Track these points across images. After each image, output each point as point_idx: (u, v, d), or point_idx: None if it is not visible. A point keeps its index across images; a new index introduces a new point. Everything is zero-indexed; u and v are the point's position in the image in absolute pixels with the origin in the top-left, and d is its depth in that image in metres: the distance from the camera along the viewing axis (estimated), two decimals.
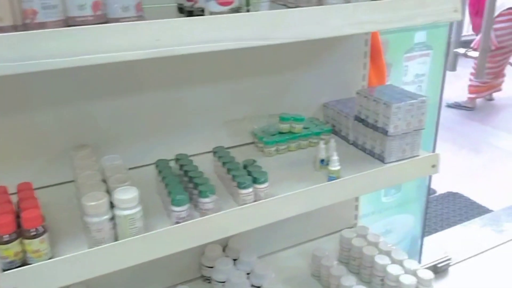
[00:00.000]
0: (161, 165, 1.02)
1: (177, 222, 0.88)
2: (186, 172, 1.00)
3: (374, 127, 1.13)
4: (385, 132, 1.10)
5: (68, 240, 0.83)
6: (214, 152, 1.10)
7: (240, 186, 0.95)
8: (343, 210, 1.51)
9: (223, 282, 1.18)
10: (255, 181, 0.96)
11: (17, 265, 0.74)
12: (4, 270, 0.73)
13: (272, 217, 0.95)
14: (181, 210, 0.88)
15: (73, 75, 0.99)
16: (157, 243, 0.84)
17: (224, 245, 1.30)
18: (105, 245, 0.80)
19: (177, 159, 1.06)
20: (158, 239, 0.84)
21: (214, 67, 1.15)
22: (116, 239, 0.82)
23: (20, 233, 0.74)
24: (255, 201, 0.95)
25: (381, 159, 1.13)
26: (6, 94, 0.95)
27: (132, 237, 0.81)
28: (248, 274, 1.19)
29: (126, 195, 0.81)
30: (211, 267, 1.22)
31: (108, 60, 0.69)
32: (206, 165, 1.06)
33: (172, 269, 1.25)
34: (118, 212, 0.81)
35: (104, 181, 0.88)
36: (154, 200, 0.97)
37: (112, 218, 0.81)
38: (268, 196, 0.96)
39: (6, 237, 0.73)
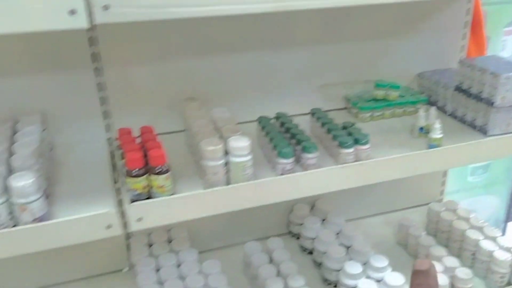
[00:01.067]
0: (263, 121, 1.07)
1: (282, 174, 0.92)
2: (287, 129, 1.04)
3: (478, 98, 1.11)
4: (490, 103, 1.07)
5: (185, 181, 0.90)
6: (312, 113, 1.13)
7: (342, 145, 0.97)
8: (430, 184, 1.50)
9: (313, 238, 1.22)
10: (356, 141, 0.99)
11: (143, 198, 0.82)
12: (132, 201, 0.82)
13: (372, 178, 0.97)
14: (287, 162, 0.92)
15: (195, 29, 1.06)
16: (264, 191, 0.89)
17: (311, 206, 1.35)
18: (219, 188, 0.86)
19: (277, 117, 1.10)
20: (265, 187, 0.89)
21: (314, 31, 1.17)
22: (228, 183, 0.88)
23: (147, 169, 0.82)
24: (355, 161, 0.98)
25: (483, 131, 1.10)
26: (140, 43, 1.04)
27: (244, 183, 0.87)
28: (336, 234, 1.23)
29: (240, 143, 0.86)
30: (300, 224, 1.27)
31: (233, 12, 0.73)
32: (302, 126, 1.09)
33: (263, 222, 1.32)
34: (232, 159, 0.86)
35: (216, 130, 0.94)
36: (256, 154, 1.02)
37: (226, 164, 0.87)
38: (369, 158, 0.98)
39: (135, 172, 0.81)
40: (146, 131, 0.92)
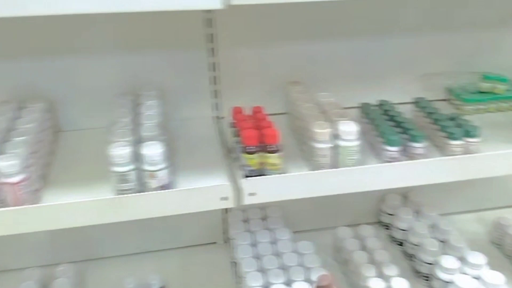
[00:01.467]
0: (366, 108, 1.07)
1: (388, 162, 0.93)
2: (391, 117, 1.04)
3: None
4: None
5: (290, 161, 0.93)
6: (416, 102, 1.11)
7: (451, 137, 0.96)
8: None
9: (405, 230, 1.22)
10: (466, 134, 0.96)
11: (256, 174, 0.87)
12: (247, 177, 0.86)
13: (481, 172, 0.94)
14: (394, 150, 0.92)
15: (304, 14, 1.08)
16: (370, 177, 0.90)
17: (403, 196, 1.33)
18: (330, 170, 0.88)
19: (380, 104, 1.10)
20: (372, 172, 0.90)
21: (420, 18, 1.15)
22: (335, 166, 0.90)
23: (262, 147, 0.86)
24: (463, 154, 0.96)
25: None
26: (252, 26, 1.08)
27: (354, 167, 0.89)
28: (429, 227, 1.21)
29: (350, 128, 0.88)
30: (392, 215, 1.27)
31: None
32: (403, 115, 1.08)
33: (354, 209, 1.34)
34: (341, 143, 0.88)
35: (324, 114, 0.96)
36: None
37: (334, 148, 0.89)
38: (478, 151, 0.96)
39: (251, 148, 0.85)
40: (257, 111, 0.96)
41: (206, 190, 0.84)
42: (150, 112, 0.93)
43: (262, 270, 1.06)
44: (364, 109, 1.08)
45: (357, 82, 1.19)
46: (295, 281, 1.02)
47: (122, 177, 0.81)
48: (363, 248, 1.16)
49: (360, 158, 0.90)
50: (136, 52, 1.05)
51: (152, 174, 0.81)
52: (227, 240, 1.28)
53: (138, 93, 1.03)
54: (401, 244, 1.24)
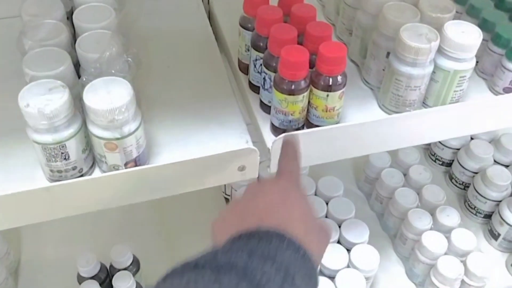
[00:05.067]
0: None
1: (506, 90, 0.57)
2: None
3: None
4: None
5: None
6: None
7: None
8: None
9: None
10: None
11: (298, 126, 0.49)
12: (281, 131, 0.48)
13: None
14: None
15: None
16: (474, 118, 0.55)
17: None
18: (424, 111, 0.52)
19: None
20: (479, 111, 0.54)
21: None
22: (424, 104, 0.54)
23: (314, 80, 0.47)
24: None
25: None
26: None
27: (455, 104, 0.53)
28: None
29: (473, 36, 0.49)
30: None
31: None
32: None
33: None
34: (445, 63, 0.50)
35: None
36: None
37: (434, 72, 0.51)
38: None
39: (298, 85, 0.45)
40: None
41: (212, 160, 0.47)
42: (96, 2, 0.49)
43: None
44: None
45: None
46: None
47: (55, 152, 0.41)
48: None
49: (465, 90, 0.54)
50: None
51: (113, 144, 0.41)
52: None
53: None
54: None
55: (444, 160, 0.94)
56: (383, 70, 0.53)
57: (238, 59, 0.58)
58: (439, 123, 0.53)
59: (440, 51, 0.50)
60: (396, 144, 0.54)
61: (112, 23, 0.48)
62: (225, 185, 0.85)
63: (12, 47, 0.48)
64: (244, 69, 0.57)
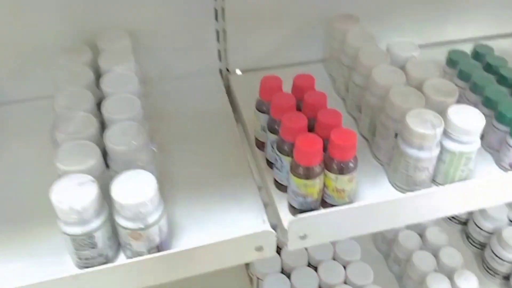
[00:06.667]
0: (458, 61, 0.68)
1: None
2: (503, 78, 0.67)
3: None
4: None
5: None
6: None
7: None
8: None
9: None
10: None
11: (315, 207, 0.52)
12: (295, 210, 0.51)
13: None
14: None
15: None
16: (486, 194, 0.57)
17: None
18: (429, 190, 0.54)
19: (476, 52, 0.71)
20: (487, 188, 0.56)
21: None
22: (434, 181, 0.56)
23: (328, 164, 0.50)
24: None
25: None
26: None
27: (465, 182, 0.55)
28: None
29: (468, 121, 0.52)
30: None
31: None
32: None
33: None
34: (449, 145, 0.52)
35: (410, 83, 0.59)
36: None
37: (440, 154, 0.53)
38: None
39: (313, 170, 0.48)
40: (306, 85, 0.56)
41: (231, 244, 0.49)
42: (124, 93, 0.54)
43: None
44: (454, 62, 0.69)
45: (419, 12, 0.78)
46: None
47: (83, 242, 0.45)
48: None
49: (472, 169, 0.56)
50: None
51: (137, 234, 0.45)
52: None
53: (96, 46, 0.61)
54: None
55: (460, 219, 0.95)
56: (392, 149, 0.56)
57: (255, 137, 0.61)
58: (449, 199, 0.55)
59: (445, 134, 0.53)
60: (407, 220, 0.56)
61: (138, 114, 0.52)
62: (248, 264, 0.87)
63: (44, 132, 0.52)
64: (260, 146, 0.61)
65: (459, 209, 0.57)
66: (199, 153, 0.61)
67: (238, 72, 0.73)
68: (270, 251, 0.52)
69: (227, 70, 0.74)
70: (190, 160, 0.60)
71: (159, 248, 0.47)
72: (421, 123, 0.51)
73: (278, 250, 0.65)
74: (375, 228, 0.56)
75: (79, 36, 0.63)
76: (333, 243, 0.85)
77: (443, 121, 0.51)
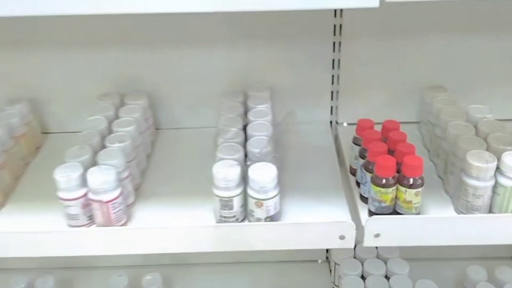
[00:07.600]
0: None
1: None
2: None
3: None
4: None
5: (428, 191, 0.73)
6: None
7: None
8: None
9: None
10: None
11: (387, 212, 0.69)
12: (372, 213, 0.69)
13: None
14: None
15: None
16: None
17: None
18: (483, 215, 0.68)
19: None
20: None
21: None
22: (490, 210, 0.70)
23: (398, 178, 0.68)
24: None
25: None
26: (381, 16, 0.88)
27: None
28: None
29: None
30: None
31: None
32: None
33: None
34: (503, 181, 0.67)
35: (480, 136, 0.75)
36: None
37: (495, 187, 0.68)
38: None
39: (387, 181, 0.67)
40: (391, 127, 0.77)
41: (323, 227, 0.69)
42: (262, 121, 0.79)
43: None
44: None
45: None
46: None
47: (226, 203, 0.68)
48: None
49: None
50: (246, 43, 0.90)
51: (260, 203, 0.67)
52: (325, 259, 1.13)
53: (246, 93, 0.89)
54: None
55: None
56: (458, 182, 0.71)
57: (350, 166, 0.82)
58: (500, 227, 0.68)
59: (500, 171, 0.68)
60: (466, 240, 0.70)
61: (268, 133, 0.77)
62: (334, 275, 1.03)
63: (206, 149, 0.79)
64: (353, 172, 0.80)
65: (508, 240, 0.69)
66: (308, 172, 0.83)
67: (345, 124, 0.96)
68: (350, 242, 0.70)
69: (336, 122, 0.97)
70: (301, 173, 0.82)
71: (271, 218, 0.68)
72: (478, 159, 0.67)
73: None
74: (437, 241, 0.70)
75: (236, 86, 0.92)
76: (413, 281, 0.96)
77: (496, 159, 0.67)
